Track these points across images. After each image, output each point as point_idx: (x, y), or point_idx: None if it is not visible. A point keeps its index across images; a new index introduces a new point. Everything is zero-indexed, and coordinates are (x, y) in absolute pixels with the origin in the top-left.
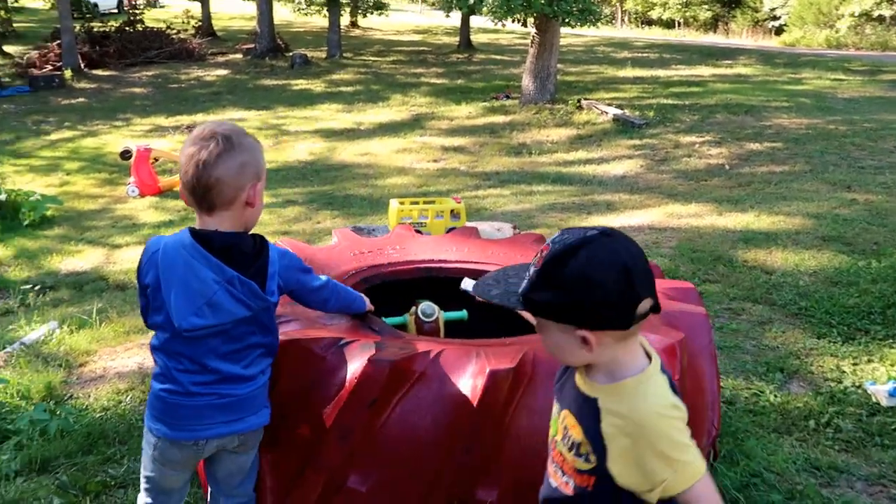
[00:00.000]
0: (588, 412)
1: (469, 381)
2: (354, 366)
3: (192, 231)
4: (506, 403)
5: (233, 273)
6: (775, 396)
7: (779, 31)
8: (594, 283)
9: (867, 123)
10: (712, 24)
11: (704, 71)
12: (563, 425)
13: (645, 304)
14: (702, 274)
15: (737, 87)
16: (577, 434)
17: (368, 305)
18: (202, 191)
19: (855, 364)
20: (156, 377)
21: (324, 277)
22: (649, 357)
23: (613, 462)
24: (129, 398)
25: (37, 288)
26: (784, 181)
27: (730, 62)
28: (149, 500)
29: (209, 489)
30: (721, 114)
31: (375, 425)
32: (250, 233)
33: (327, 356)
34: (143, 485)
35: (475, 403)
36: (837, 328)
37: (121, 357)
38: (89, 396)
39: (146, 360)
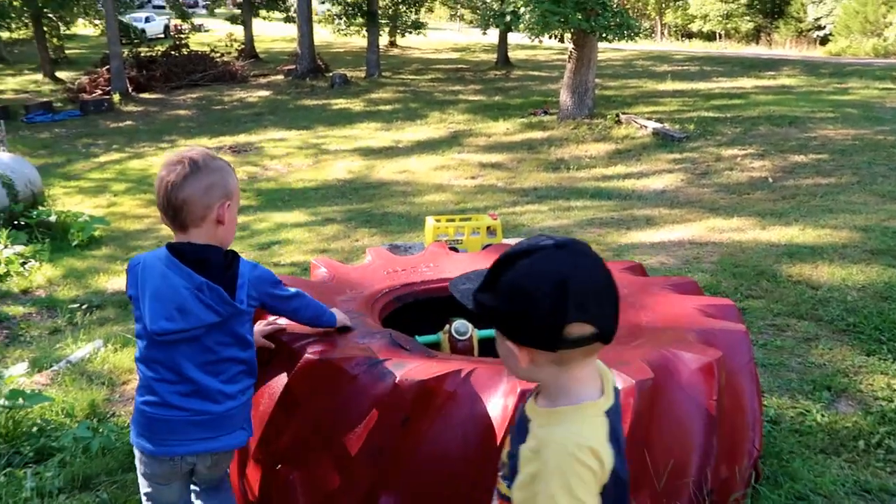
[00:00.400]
0: (520, 432)
1: (500, 401)
2: (386, 385)
3: (169, 245)
4: None
5: (201, 280)
6: (822, 416)
7: (824, 40)
8: (524, 294)
9: None
10: (754, 36)
11: (747, 83)
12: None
13: (579, 329)
14: (744, 289)
15: (780, 98)
16: (504, 454)
17: (340, 319)
18: (172, 211)
19: None
20: (138, 390)
21: (293, 290)
22: (605, 393)
23: (517, 488)
24: None
25: (84, 307)
26: (830, 193)
27: (773, 73)
28: None
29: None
30: (764, 126)
31: (407, 444)
32: (226, 248)
33: (359, 375)
34: (143, 502)
35: (506, 423)
36: (888, 345)
37: None
38: (131, 414)
39: None
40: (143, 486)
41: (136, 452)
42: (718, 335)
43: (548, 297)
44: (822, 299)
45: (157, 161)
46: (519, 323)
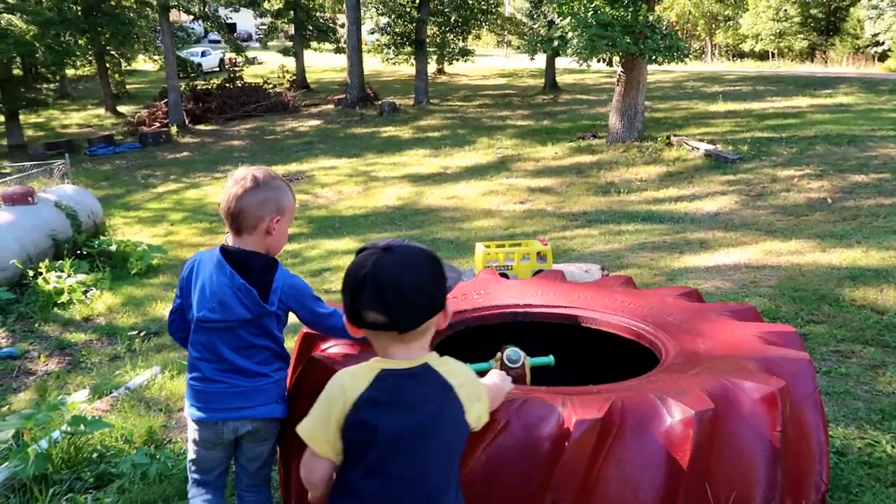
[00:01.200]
0: None
1: (555, 431)
2: None
3: (222, 247)
4: (593, 454)
5: (241, 281)
6: (892, 447)
7: (882, 56)
8: (344, 282)
9: None
10: (809, 54)
11: (802, 102)
12: None
13: (373, 316)
14: (805, 314)
15: (838, 117)
16: None
17: None
18: (231, 217)
19: None
20: (188, 370)
21: (332, 308)
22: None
23: None
24: None
25: (142, 334)
26: (893, 214)
27: (829, 91)
28: (195, 476)
29: (236, 473)
30: (821, 145)
31: (460, 476)
32: (270, 256)
33: None
34: (189, 467)
35: (561, 454)
36: None
37: None
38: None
39: None
40: (190, 453)
41: (188, 421)
42: (780, 363)
43: (352, 287)
44: (888, 324)
45: (213, 190)
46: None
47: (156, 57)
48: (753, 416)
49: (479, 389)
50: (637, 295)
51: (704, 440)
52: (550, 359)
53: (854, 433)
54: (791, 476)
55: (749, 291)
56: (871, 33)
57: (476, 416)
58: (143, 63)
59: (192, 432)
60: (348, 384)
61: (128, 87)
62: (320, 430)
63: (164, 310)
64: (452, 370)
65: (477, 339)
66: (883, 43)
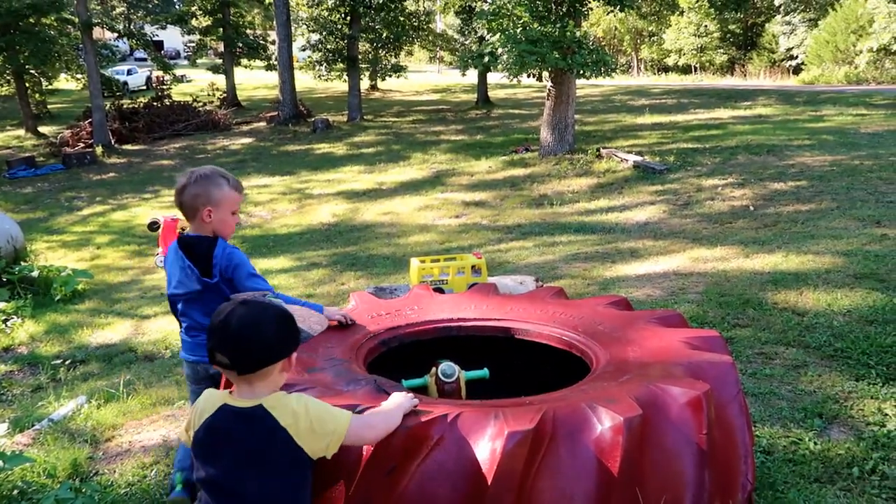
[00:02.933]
0: None
1: (488, 445)
2: None
3: (179, 235)
4: (527, 465)
5: (188, 262)
6: (815, 444)
7: (797, 70)
8: None
9: (893, 157)
10: (729, 68)
11: (723, 113)
12: None
13: (221, 357)
14: (731, 319)
15: (757, 127)
16: None
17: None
18: (179, 208)
19: None
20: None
21: (265, 284)
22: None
23: None
24: (153, 472)
25: (67, 362)
26: (811, 220)
27: (749, 103)
28: None
29: None
30: (742, 155)
31: (395, 493)
32: (215, 237)
33: None
34: (189, 400)
35: (495, 467)
36: (876, 369)
37: (146, 430)
38: (114, 472)
39: (170, 432)
40: (188, 390)
41: (183, 365)
42: (705, 368)
43: (209, 330)
44: (808, 326)
45: (141, 212)
46: None
47: (78, 76)
48: (681, 420)
49: (322, 426)
50: (568, 305)
51: (634, 446)
52: (485, 372)
53: (779, 432)
54: (719, 476)
55: (678, 298)
56: (786, 47)
57: (322, 447)
58: (66, 82)
59: (184, 369)
60: (201, 407)
61: (49, 106)
62: (188, 431)
63: (90, 336)
64: (284, 412)
65: (411, 354)
66: (797, 57)
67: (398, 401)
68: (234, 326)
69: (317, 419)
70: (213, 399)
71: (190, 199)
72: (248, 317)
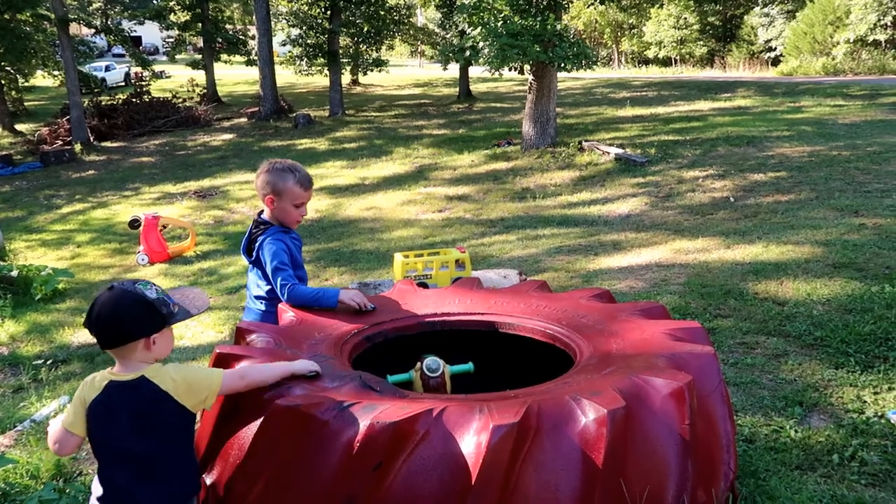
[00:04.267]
0: None
1: (473, 438)
2: (357, 429)
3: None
4: (512, 458)
5: (245, 239)
6: (796, 432)
7: (775, 61)
8: None
9: (870, 147)
10: (709, 60)
11: (704, 105)
12: None
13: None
14: (713, 309)
15: (737, 119)
16: None
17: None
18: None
19: (876, 393)
20: None
21: (286, 279)
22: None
23: None
24: None
25: (49, 362)
26: (790, 210)
27: (728, 95)
28: None
29: None
30: (723, 147)
31: (381, 489)
32: (271, 225)
33: (329, 421)
34: None
35: (480, 460)
36: (855, 357)
37: None
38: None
39: None
40: None
41: None
42: (687, 359)
43: (87, 311)
44: (788, 315)
45: (121, 209)
46: None
47: (56, 72)
48: (664, 411)
49: (197, 386)
50: (551, 298)
51: (618, 437)
52: (469, 366)
53: (761, 421)
54: (701, 466)
55: (660, 290)
56: (765, 39)
57: (200, 401)
58: (43, 79)
59: None
60: (84, 395)
61: (26, 104)
62: (77, 420)
63: (71, 335)
64: (165, 379)
65: (396, 350)
66: (775, 48)
67: (293, 363)
68: (96, 309)
69: (193, 381)
70: (94, 383)
71: (259, 185)
72: (107, 301)
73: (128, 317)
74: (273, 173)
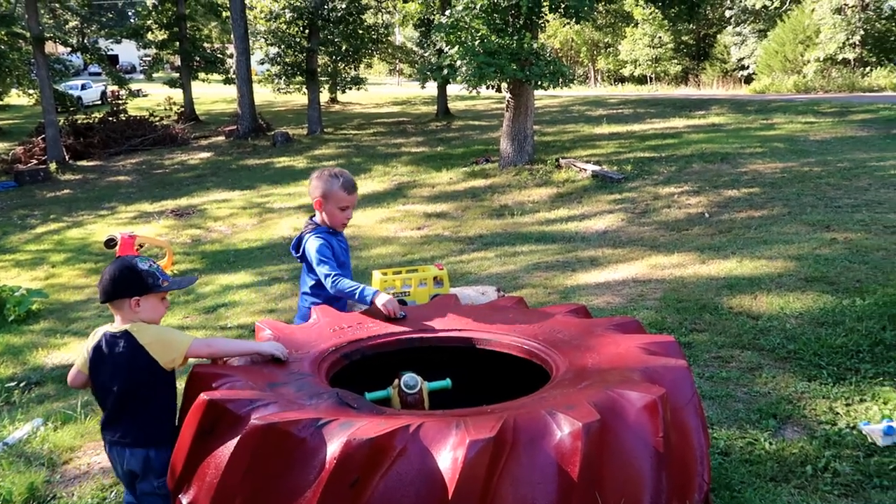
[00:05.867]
0: None
1: (450, 454)
2: (334, 446)
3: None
4: (488, 473)
5: (296, 237)
6: (770, 444)
7: (748, 79)
8: None
9: (841, 163)
10: (683, 78)
11: (678, 123)
12: None
13: None
14: (688, 324)
15: (711, 136)
16: None
17: (375, 298)
18: None
19: (848, 405)
20: None
21: (327, 273)
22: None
23: None
24: (113, 494)
25: (22, 385)
26: (764, 225)
27: (703, 112)
28: None
29: None
30: (697, 163)
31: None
32: (318, 226)
33: (306, 438)
34: None
35: (457, 476)
36: (827, 369)
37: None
38: (73, 495)
39: None
40: None
41: None
42: (661, 372)
43: None
44: (762, 329)
45: (98, 229)
46: None
47: (31, 91)
48: (638, 424)
49: (169, 344)
50: (528, 314)
51: (593, 451)
52: (447, 382)
53: (736, 433)
54: (676, 478)
55: (637, 305)
56: (737, 58)
57: (171, 359)
58: (17, 97)
59: None
60: (89, 342)
61: (0, 123)
62: (83, 362)
63: (46, 357)
64: (144, 335)
65: (374, 367)
66: (748, 67)
67: (261, 343)
68: (103, 273)
69: (167, 340)
70: (97, 333)
71: (311, 189)
72: (109, 265)
73: (117, 278)
74: (322, 179)
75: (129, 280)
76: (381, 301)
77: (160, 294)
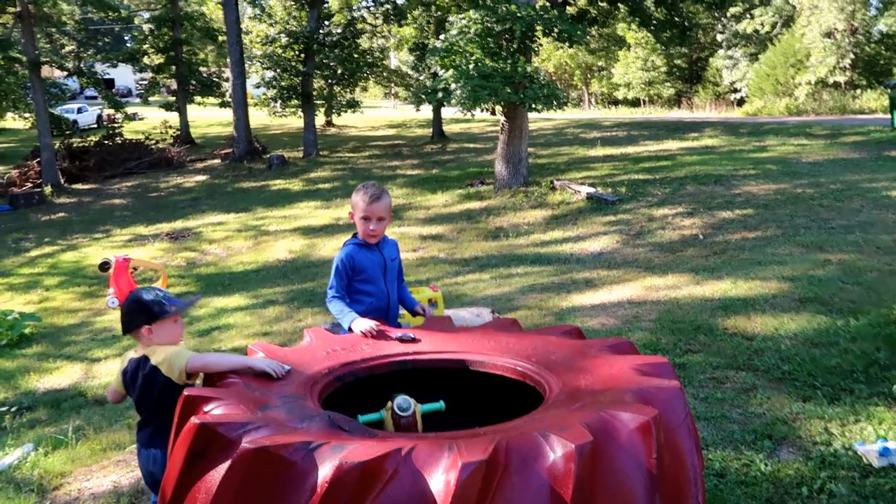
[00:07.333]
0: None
1: (442, 477)
2: (325, 470)
3: None
4: (481, 495)
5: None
6: (766, 465)
7: (740, 102)
8: None
9: (833, 185)
10: (676, 101)
11: (672, 145)
12: None
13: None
14: (683, 345)
15: (704, 158)
16: None
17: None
18: None
19: (843, 425)
20: None
21: (332, 291)
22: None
23: None
24: None
25: (13, 409)
26: (757, 246)
27: (696, 135)
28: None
29: None
30: (691, 185)
31: None
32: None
33: (297, 461)
34: None
35: (449, 499)
36: (822, 390)
37: (96, 477)
38: None
39: (121, 478)
40: None
41: None
42: (654, 393)
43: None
44: (757, 349)
45: (92, 252)
46: None
47: (27, 114)
48: (631, 445)
49: (174, 362)
50: (522, 336)
51: (586, 472)
52: (440, 404)
53: (731, 455)
54: (669, 500)
55: (632, 326)
56: (729, 81)
57: (177, 375)
58: (13, 121)
59: None
60: (121, 365)
61: None
62: (118, 382)
63: (38, 381)
64: (156, 357)
65: (367, 389)
66: (740, 90)
67: (255, 360)
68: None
69: (171, 360)
70: (125, 358)
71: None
72: (124, 302)
73: (127, 311)
74: (355, 191)
75: (137, 312)
76: (358, 327)
77: (170, 318)
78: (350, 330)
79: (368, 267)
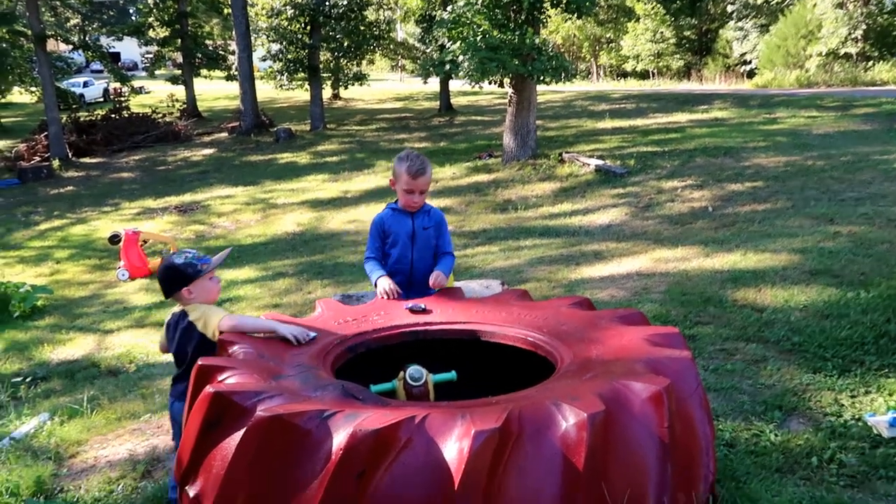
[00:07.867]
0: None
1: (455, 445)
2: (339, 437)
3: None
4: (494, 464)
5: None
6: (776, 435)
7: (750, 74)
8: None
9: (844, 157)
10: (685, 73)
11: (681, 117)
12: None
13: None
14: (693, 316)
15: (714, 130)
16: None
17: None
18: None
19: (853, 396)
20: None
21: (368, 254)
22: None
23: None
24: (120, 487)
25: (28, 380)
26: (767, 219)
27: (705, 107)
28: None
29: None
30: (700, 157)
31: (364, 497)
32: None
33: (312, 429)
34: None
35: (462, 466)
36: (832, 361)
37: (112, 445)
38: (80, 488)
39: (137, 446)
40: None
41: None
42: (665, 363)
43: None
44: (767, 321)
45: (101, 225)
46: None
47: (33, 88)
48: (643, 415)
49: (209, 320)
50: (532, 307)
51: (598, 441)
52: (452, 374)
53: (741, 425)
54: (681, 469)
55: (641, 298)
56: (739, 53)
57: (210, 332)
58: (20, 95)
59: None
60: (167, 318)
61: (3, 120)
62: (163, 333)
63: (51, 352)
64: (193, 313)
65: (379, 359)
66: (750, 62)
67: (281, 325)
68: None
69: (206, 317)
70: (175, 309)
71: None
72: (159, 269)
73: (163, 278)
74: (396, 160)
75: (172, 277)
76: (381, 286)
77: (206, 276)
78: (376, 285)
79: (396, 232)
